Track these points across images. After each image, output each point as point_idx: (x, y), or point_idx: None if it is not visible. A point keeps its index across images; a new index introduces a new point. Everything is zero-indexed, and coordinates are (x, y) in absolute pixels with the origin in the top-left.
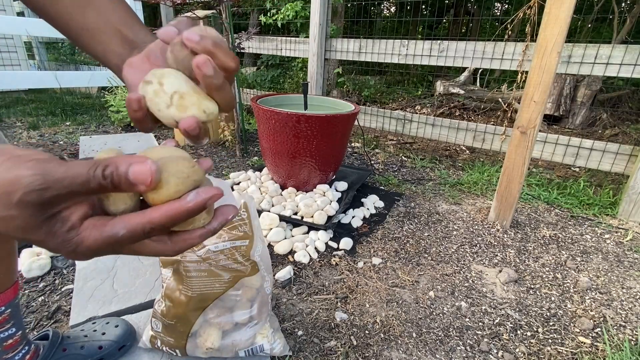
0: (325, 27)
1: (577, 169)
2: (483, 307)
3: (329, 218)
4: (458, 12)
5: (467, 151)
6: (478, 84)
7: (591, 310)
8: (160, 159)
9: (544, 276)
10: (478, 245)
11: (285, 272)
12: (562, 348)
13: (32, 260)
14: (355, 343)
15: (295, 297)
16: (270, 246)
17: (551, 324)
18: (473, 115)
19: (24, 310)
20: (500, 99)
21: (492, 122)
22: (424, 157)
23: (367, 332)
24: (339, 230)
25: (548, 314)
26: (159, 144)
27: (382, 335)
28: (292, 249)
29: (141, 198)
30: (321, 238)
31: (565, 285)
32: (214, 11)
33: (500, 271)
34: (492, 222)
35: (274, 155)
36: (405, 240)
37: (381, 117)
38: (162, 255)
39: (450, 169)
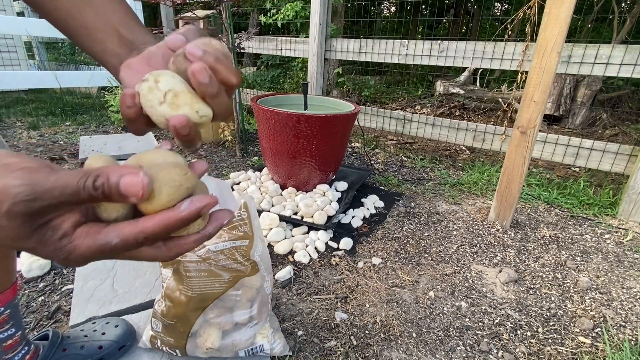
0: (325, 27)
1: (577, 169)
2: (483, 307)
3: (329, 218)
4: (458, 12)
5: (467, 151)
6: (478, 84)
7: (591, 310)
8: (152, 167)
9: (544, 276)
10: (478, 245)
11: (285, 272)
12: (562, 348)
13: (32, 260)
14: (355, 343)
15: (295, 297)
16: (270, 246)
17: (551, 324)
18: (473, 115)
19: (24, 310)
20: (500, 99)
21: (492, 122)
22: (424, 157)
23: (367, 332)
24: (339, 230)
25: (548, 314)
26: (159, 143)
27: (382, 335)
28: (292, 249)
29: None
30: (321, 238)
31: (565, 285)
32: (214, 11)
33: (500, 271)
34: (492, 222)
35: (274, 155)
36: (405, 240)
37: (381, 117)
38: (156, 260)
39: (450, 169)
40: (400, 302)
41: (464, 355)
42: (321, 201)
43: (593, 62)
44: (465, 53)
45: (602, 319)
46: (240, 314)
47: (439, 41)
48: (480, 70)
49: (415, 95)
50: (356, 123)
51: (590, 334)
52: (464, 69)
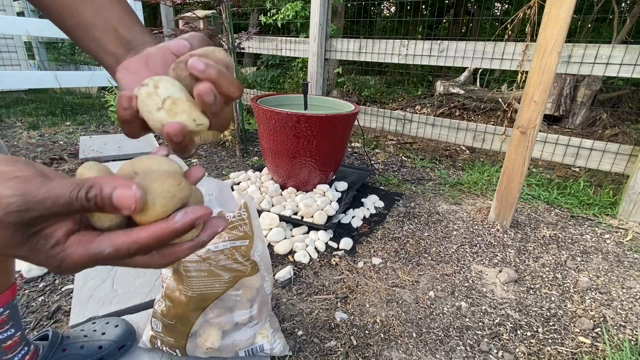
0: (325, 27)
1: (577, 169)
2: (483, 307)
3: (329, 218)
4: (458, 12)
5: (467, 151)
6: (478, 84)
7: (591, 310)
8: (147, 176)
9: (544, 276)
10: (478, 245)
11: (285, 272)
12: (562, 348)
13: None
14: (355, 343)
15: (295, 297)
16: (270, 246)
17: (551, 324)
18: (473, 115)
19: (24, 310)
20: (500, 99)
21: (492, 122)
22: (424, 157)
23: (367, 332)
24: (339, 230)
25: (548, 314)
26: (159, 144)
27: (382, 335)
28: (292, 249)
29: None
30: (321, 238)
31: (565, 285)
32: (214, 11)
33: (500, 271)
34: (492, 222)
35: (274, 155)
36: (405, 240)
37: (381, 117)
38: (150, 267)
39: (450, 169)
40: (400, 302)
41: (464, 355)
42: (321, 201)
43: (593, 62)
44: (465, 53)
45: (602, 319)
46: (240, 314)
47: (439, 41)
48: (480, 70)
49: (415, 95)
50: (356, 123)
51: (590, 334)
52: (464, 69)
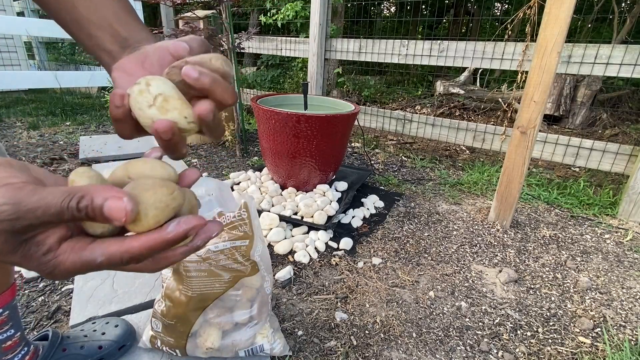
0: (325, 27)
1: (577, 169)
2: (483, 307)
3: (329, 218)
4: (458, 12)
5: (467, 151)
6: (478, 84)
7: (591, 310)
8: (138, 184)
9: (544, 276)
10: (478, 245)
11: (285, 272)
12: (562, 348)
13: None
14: (355, 343)
15: (295, 297)
16: (270, 246)
17: (551, 324)
18: (473, 115)
19: (24, 311)
20: (500, 99)
21: (492, 122)
22: (424, 157)
23: (367, 332)
24: (339, 230)
25: (548, 314)
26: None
27: (382, 335)
28: (292, 249)
29: None
30: (321, 238)
31: (565, 285)
32: (214, 11)
33: (500, 271)
34: (492, 222)
35: (274, 155)
36: (405, 240)
37: (381, 117)
38: (143, 272)
39: (450, 169)
40: (400, 302)
41: (464, 355)
42: (321, 201)
43: (593, 62)
44: (465, 53)
45: (602, 319)
46: (240, 314)
47: (439, 41)
48: (480, 70)
49: (415, 95)
50: (356, 123)
51: (590, 334)
52: (464, 69)
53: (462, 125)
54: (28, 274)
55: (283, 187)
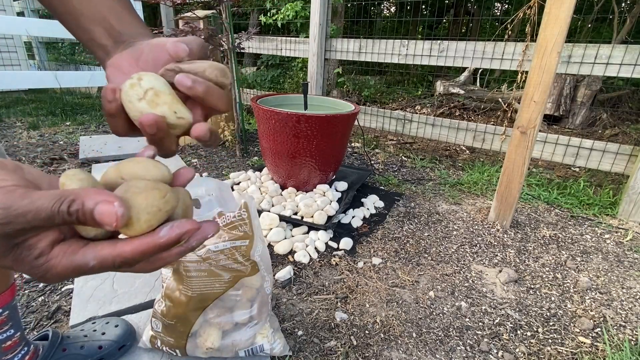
0: (325, 27)
1: (577, 169)
2: (483, 307)
3: (329, 218)
4: (458, 12)
5: (467, 151)
6: (478, 84)
7: (591, 310)
8: (130, 187)
9: (544, 276)
10: (478, 245)
11: (285, 272)
12: (562, 348)
13: None
14: (355, 343)
15: (295, 297)
16: (270, 246)
17: (551, 324)
18: (473, 115)
19: (24, 310)
20: (500, 99)
21: (492, 122)
22: (424, 157)
23: (367, 332)
24: (339, 230)
25: (548, 314)
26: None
27: (382, 335)
28: (292, 249)
29: None
30: (321, 238)
31: (565, 285)
32: (214, 11)
33: (500, 271)
34: (492, 222)
35: (274, 155)
36: (405, 240)
37: (381, 117)
38: (138, 272)
39: (450, 169)
40: (400, 302)
41: (464, 355)
42: (321, 201)
43: (593, 62)
44: (465, 53)
45: (602, 319)
46: (240, 314)
47: (439, 41)
48: (480, 70)
49: (415, 95)
50: (356, 123)
51: (590, 334)
52: (464, 69)
53: (462, 125)
54: None
55: (283, 187)
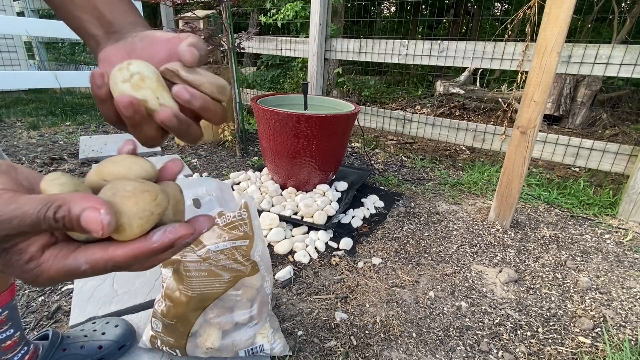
0: (325, 27)
1: (577, 169)
2: (483, 307)
3: (329, 218)
4: (458, 12)
5: (467, 151)
6: (478, 84)
7: (591, 310)
8: (117, 190)
9: (544, 276)
10: (478, 245)
11: (285, 272)
12: (562, 348)
13: None
14: (355, 343)
15: (295, 297)
16: (270, 246)
17: (551, 324)
18: (473, 115)
19: (24, 310)
20: (500, 99)
21: (492, 122)
22: (424, 157)
23: (367, 332)
24: (339, 230)
25: (548, 314)
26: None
27: (382, 335)
28: (292, 249)
29: None
30: (321, 238)
31: (565, 285)
32: (214, 11)
33: (500, 271)
34: (492, 222)
35: (274, 155)
36: (405, 240)
37: (381, 117)
38: (132, 271)
39: (450, 169)
40: (400, 302)
41: (464, 355)
42: (321, 201)
43: (593, 62)
44: (465, 53)
45: (602, 319)
46: (240, 314)
47: (439, 41)
48: (480, 70)
49: (415, 95)
50: (356, 123)
51: (590, 334)
52: (464, 69)
53: (462, 125)
54: None
55: (283, 187)
